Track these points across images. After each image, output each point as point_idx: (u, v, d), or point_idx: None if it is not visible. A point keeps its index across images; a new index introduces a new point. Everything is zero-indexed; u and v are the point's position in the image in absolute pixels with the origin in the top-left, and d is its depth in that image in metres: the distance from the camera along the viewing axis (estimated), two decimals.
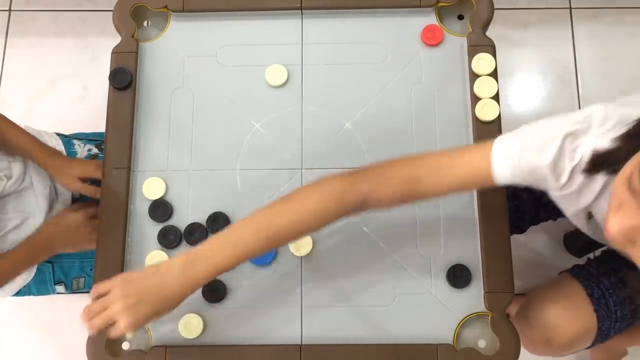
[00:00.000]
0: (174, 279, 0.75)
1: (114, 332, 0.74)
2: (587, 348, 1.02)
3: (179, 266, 0.75)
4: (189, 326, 0.89)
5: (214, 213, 0.93)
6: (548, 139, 0.70)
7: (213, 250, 0.76)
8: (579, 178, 0.70)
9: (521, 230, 1.14)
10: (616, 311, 0.95)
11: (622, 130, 0.64)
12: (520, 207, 1.07)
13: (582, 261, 1.06)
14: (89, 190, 1.05)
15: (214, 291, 0.90)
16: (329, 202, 0.76)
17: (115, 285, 0.75)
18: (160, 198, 0.94)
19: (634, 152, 0.60)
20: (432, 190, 0.77)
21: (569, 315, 0.96)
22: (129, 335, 0.89)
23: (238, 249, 0.76)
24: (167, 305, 0.75)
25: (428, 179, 0.76)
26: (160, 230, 0.93)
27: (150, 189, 0.95)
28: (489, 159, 0.74)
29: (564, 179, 0.71)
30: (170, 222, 0.94)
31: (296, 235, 0.78)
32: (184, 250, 0.78)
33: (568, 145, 0.69)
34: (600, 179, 0.70)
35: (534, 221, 1.13)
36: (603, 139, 0.66)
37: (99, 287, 0.77)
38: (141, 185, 0.95)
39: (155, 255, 0.92)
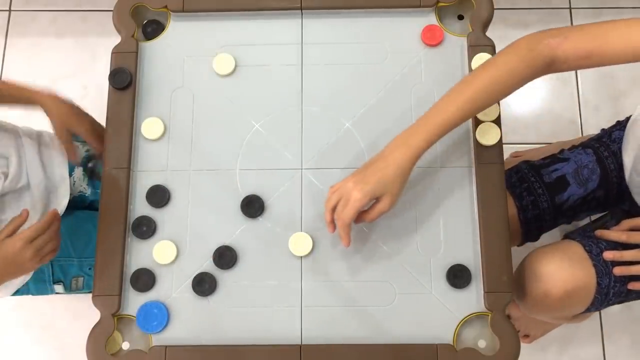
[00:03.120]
0: (395, 150, 0.82)
1: (349, 206, 0.81)
2: (586, 312, 1.01)
3: (397, 140, 0.83)
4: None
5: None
6: None
7: (427, 122, 0.83)
8: None
9: (536, 238, 1.14)
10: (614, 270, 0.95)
11: None
12: (540, 217, 1.07)
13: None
14: (68, 147, 1.03)
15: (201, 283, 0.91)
16: (520, 56, 0.81)
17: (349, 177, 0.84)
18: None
19: None
20: (620, 47, 0.79)
21: (566, 267, 0.96)
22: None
23: (447, 113, 0.82)
24: (393, 174, 0.82)
25: (616, 34, 0.79)
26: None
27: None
28: None
29: None
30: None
31: (499, 95, 0.84)
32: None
33: None
34: None
35: (551, 228, 1.13)
36: None
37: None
38: (141, 185, 0.95)
39: (163, 245, 0.92)
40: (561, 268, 0.96)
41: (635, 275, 0.95)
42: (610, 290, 0.96)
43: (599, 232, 0.99)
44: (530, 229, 1.01)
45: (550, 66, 0.82)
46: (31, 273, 1.07)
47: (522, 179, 1.08)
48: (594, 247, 0.97)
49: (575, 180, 1.05)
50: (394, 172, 0.82)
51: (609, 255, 0.95)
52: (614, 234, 0.97)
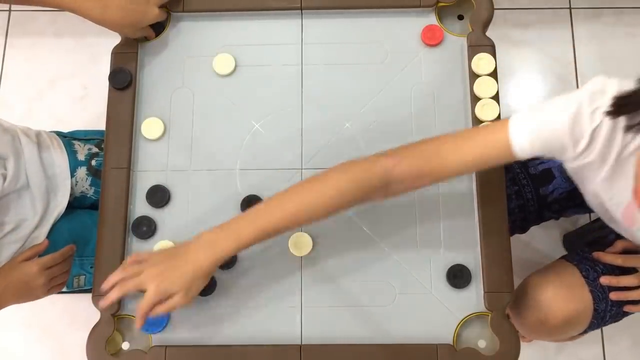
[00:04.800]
0: (198, 250, 0.79)
1: (142, 307, 0.77)
2: (582, 334, 1.02)
3: (205, 239, 0.79)
4: None
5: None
6: (566, 105, 0.71)
7: (238, 226, 0.79)
8: (599, 144, 0.70)
9: (524, 230, 1.14)
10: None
11: None
12: (524, 207, 1.07)
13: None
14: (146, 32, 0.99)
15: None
16: (354, 178, 0.79)
17: (150, 256, 0.81)
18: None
19: None
20: (454, 166, 0.79)
21: (563, 294, 0.96)
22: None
23: (264, 226, 0.79)
24: (193, 275, 0.78)
25: (448, 154, 0.79)
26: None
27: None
28: (507, 131, 0.75)
29: (583, 144, 0.71)
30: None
31: (325, 211, 0.80)
32: (213, 226, 0.81)
33: (586, 107, 0.69)
34: (616, 148, 0.70)
35: (537, 221, 1.13)
36: (627, 83, 0.66)
37: (136, 255, 0.82)
38: (141, 185, 0.95)
39: (163, 245, 0.92)
40: (558, 296, 0.97)
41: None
42: (607, 314, 0.97)
43: (596, 255, 0.99)
44: (515, 219, 1.01)
45: (386, 187, 0.80)
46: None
47: (507, 169, 1.08)
48: (591, 272, 0.98)
49: (561, 174, 1.05)
50: (193, 274, 0.78)
51: (605, 280, 0.96)
52: (609, 257, 0.98)
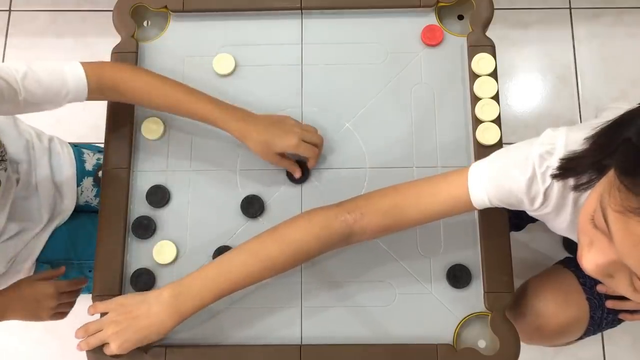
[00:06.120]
0: (161, 310, 0.80)
1: (107, 352, 0.82)
2: (579, 339, 1.02)
3: (167, 298, 0.80)
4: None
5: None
6: (519, 163, 0.72)
7: (201, 285, 0.80)
8: (553, 200, 0.71)
9: (519, 227, 1.14)
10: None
11: (591, 132, 0.63)
12: None
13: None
14: (287, 165, 0.93)
15: None
16: (315, 233, 0.80)
17: (111, 309, 0.83)
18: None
19: (600, 155, 0.59)
20: (415, 218, 0.80)
21: (560, 301, 0.97)
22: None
23: (226, 283, 0.80)
24: (154, 334, 0.81)
25: (410, 208, 0.79)
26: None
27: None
28: (466, 185, 0.76)
29: (538, 201, 0.72)
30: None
31: (286, 265, 0.82)
32: (173, 282, 0.82)
33: (538, 168, 0.70)
34: (571, 199, 0.71)
35: (532, 219, 1.13)
36: (574, 135, 0.67)
37: (98, 307, 0.84)
38: (141, 185, 0.95)
39: (163, 245, 0.92)
40: (555, 304, 0.97)
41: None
42: (603, 321, 0.98)
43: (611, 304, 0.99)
44: (509, 216, 1.00)
45: (348, 239, 0.81)
46: (31, 273, 1.07)
47: None
48: (588, 279, 0.98)
49: None
50: (157, 335, 0.81)
51: (602, 289, 0.96)
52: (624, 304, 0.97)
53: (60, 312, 1.02)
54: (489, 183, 0.74)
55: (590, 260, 0.58)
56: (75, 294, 1.03)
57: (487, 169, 0.75)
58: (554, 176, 0.67)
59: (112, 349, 0.81)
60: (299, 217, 0.82)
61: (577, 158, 0.63)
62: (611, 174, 0.53)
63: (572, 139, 0.67)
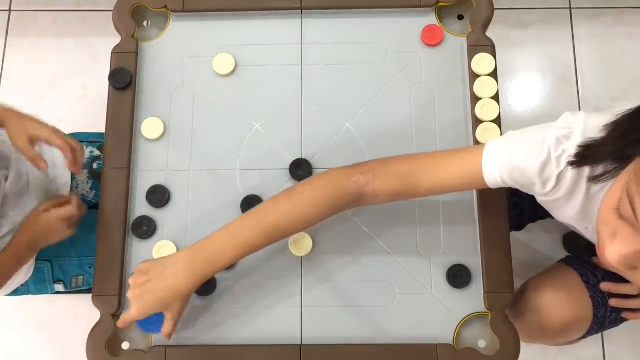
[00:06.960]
0: (176, 270, 0.80)
1: (128, 318, 0.81)
2: (581, 339, 1.02)
3: (182, 258, 0.80)
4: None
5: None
6: (535, 144, 0.71)
7: (217, 249, 0.80)
8: (566, 185, 0.71)
9: (519, 227, 1.14)
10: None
11: (612, 119, 0.62)
12: (519, 204, 1.07)
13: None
14: (32, 155, 0.94)
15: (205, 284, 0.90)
16: (327, 192, 0.80)
17: (134, 276, 0.82)
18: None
19: (622, 142, 0.58)
20: (426, 187, 0.80)
21: (563, 300, 0.96)
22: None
23: (239, 246, 0.80)
24: (169, 296, 0.80)
25: (422, 175, 0.79)
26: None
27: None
28: (480, 160, 0.75)
29: (550, 184, 0.72)
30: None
31: (297, 227, 0.81)
32: (189, 245, 0.82)
33: (554, 151, 0.69)
34: (584, 186, 0.70)
35: (532, 219, 1.13)
36: (593, 121, 0.66)
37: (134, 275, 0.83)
38: (141, 185, 0.95)
39: (163, 245, 0.92)
40: (558, 302, 0.96)
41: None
42: (606, 320, 0.97)
43: (596, 260, 0.99)
44: (510, 216, 1.01)
45: (358, 201, 0.81)
46: (31, 272, 1.07)
47: None
48: (591, 277, 0.97)
49: None
50: (173, 297, 0.80)
51: (605, 287, 0.96)
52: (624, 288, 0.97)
53: (76, 220, 1.02)
54: (504, 161, 0.74)
55: (613, 251, 0.57)
56: (79, 206, 1.01)
57: (504, 147, 0.75)
58: (571, 163, 0.67)
59: (133, 312, 0.80)
60: (315, 176, 0.83)
61: (596, 146, 0.63)
62: (638, 162, 0.53)
63: (590, 124, 0.66)
